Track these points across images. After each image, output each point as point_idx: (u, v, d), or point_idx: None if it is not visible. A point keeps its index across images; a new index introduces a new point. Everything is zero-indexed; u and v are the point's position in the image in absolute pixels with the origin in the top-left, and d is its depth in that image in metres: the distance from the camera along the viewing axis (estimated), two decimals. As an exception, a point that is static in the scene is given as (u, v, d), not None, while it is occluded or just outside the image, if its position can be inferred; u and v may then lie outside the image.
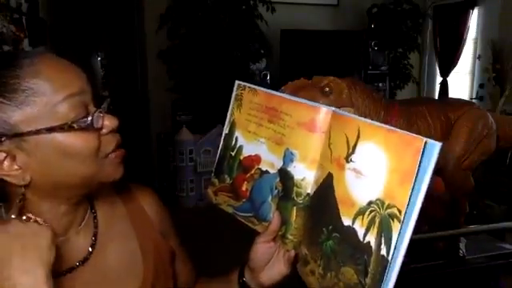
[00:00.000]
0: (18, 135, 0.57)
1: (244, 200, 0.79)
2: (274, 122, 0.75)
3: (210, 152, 3.99)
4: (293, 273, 0.76)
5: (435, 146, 0.50)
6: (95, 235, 0.71)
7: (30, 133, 0.57)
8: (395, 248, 0.53)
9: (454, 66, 5.04)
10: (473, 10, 4.79)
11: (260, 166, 0.77)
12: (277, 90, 0.88)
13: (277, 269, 0.76)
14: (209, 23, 3.97)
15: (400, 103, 1.23)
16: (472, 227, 1.35)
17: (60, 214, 0.65)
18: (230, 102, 0.83)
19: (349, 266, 0.60)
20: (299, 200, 0.71)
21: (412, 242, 0.52)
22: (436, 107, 1.22)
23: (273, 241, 0.75)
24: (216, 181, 0.84)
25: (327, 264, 0.64)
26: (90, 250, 0.70)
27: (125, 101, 4.15)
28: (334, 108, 0.69)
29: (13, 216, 0.56)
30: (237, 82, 0.82)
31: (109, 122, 0.63)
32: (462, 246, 1.33)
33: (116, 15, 4.32)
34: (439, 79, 5.23)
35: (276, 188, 0.74)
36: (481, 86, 4.56)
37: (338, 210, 0.61)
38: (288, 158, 0.72)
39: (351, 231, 0.59)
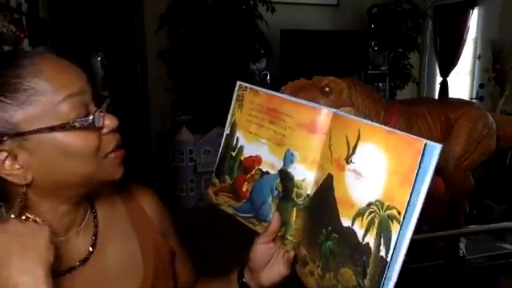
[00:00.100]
0: (19, 134, 0.57)
1: (244, 200, 0.79)
2: (274, 122, 0.75)
3: (210, 152, 3.99)
4: (292, 273, 0.76)
5: (435, 148, 0.50)
6: (95, 235, 0.71)
7: (31, 132, 0.58)
8: (394, 249, 0.53)
9: (454, 66, 5.04)
10: (473, 9, 4.79)
11: (260, 167, 0.77)
12: (277, 90, 0.88)
13: (276, 269, 0.76)
14: (209, 23, 3.97)
15: (400, 103, 1.23)
16: (472, 227, 1.35)
17: (60, 213, 0.66)
18: (230, 102, 0.83)
19: (348, 266, 0.60)
20: (299, 201, 0.71)
21: (412, 242, 0.52)
22: (436, 107, 1.22)
23: (272, 241, 0.75)
24: (217, 181, 0.84)
25: (326, 265, 0.64)
26: (91, 249, 0.70)
27: (125, 101, 4.15)
28: (334, 109, 0.69)
29: (12, 216, 0.57)
30: (238, 83, 0.82)
31: (109, 122, 0.63)
32: (462, 245, 1.33)
33: (116, 15, 4.32)
34: (439, 79, 5.23)
35: (276, 189, 0.75)
36: (481, 85, 4.56)
37: (338, 210, 0.62)
38: (288, 158, 0.72)
39: (350, 232, 0.59)
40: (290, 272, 0.77)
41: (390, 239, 0.53)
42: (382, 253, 0.54)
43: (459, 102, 1.28)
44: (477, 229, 1.38)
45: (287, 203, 0.73)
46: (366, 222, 0.57)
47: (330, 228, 0.63)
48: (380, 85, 4.76)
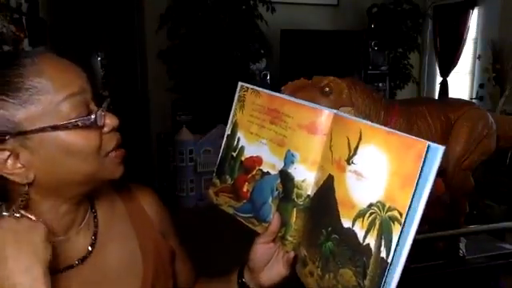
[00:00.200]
0: (21, 133, 0.58)
1: (245, 201, 0.80)
2: (275, 123, 0.75)
3: (210, 152, 3.99)
4: (292, 274, 0.76)
5: (438, 150, 0.50)
6: (95, 234, 0.71)
7: (33, 131, 0.58)
8: (395, 251, 0.53)
9: (454, 66, 5.04)
10: (473, 9, 4.79)
11: (261, 167, 0.77)
12: (277, 90, 0.89)
13: (276, 270, 0.77)
14: (209, 23, 3.97)
15: (400, 103, 1.23)
16: (472, 227, 1.35)
17: (61, 213, 0.66)
18: (230, 101, 0.83)
19: (347, 267, 0.60)
20: (299, 201, 0.71)
21: (412, 242, 0.52)
22: (436, 107, 1.22)
23: (272, 242, 0.75)
24: (217, 181, 0.84)
25: (326, 265, 0.64)
26: (90, 249, 0.70)
27: (125, 101, 4.15)
28: (335, 110, 0.69)
29: (5, 213, 0.56)
30: (240, 84, 0.82)
31: (110, 121, 0.64)
32: (462, 245, 1.33)
33: (116, 15, 4.32)
34: (439, 79, 5.23)
35: (277, 189, 0.75)
36: (481, 86, 4.56)
37: (338, 211, 0.62)
38: (289, 159, 0.73)
39: (351, 233, 0.59)
40: (289, 272, 0.77)
41: (390, 241, 0.53)
42: (383, 254, 0.54)
43: (459, 102, 1.28)
44: (477, 229, 1.38)
45: (287, 204, 0.73)
46: (366, 223, 0.57)
47: (330, 229, 0.63)
48: (380, 85, 4.76)
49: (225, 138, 0.84)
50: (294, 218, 0.72)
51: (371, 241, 0.56)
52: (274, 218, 0.73)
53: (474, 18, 4.83)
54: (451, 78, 5.10)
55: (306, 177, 0.70)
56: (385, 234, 0.54)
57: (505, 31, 4.21)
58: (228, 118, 0.84)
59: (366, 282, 0.57)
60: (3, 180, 0.59)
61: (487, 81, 4.25)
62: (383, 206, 0.55)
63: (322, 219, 0.65)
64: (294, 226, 0.72)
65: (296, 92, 1.06)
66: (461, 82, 5.09)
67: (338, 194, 0.62)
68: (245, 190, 0.79)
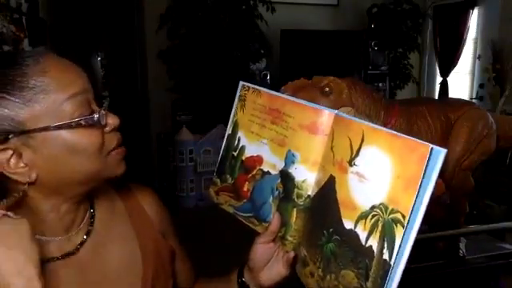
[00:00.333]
0: (25, 132, 0.58)
1: (245, 200, 0.80)
2: (276, 123, 0.75)
3: (210, 152, 3.99)
4: (292, 274, 0.76)
5: (440, 153, 0.50)
6: (88, 233, 0.71)
7: (37, 130, 0.58)
8: (398, 253, 0.53)
9: (454, 66, 5.04)
10: (473, 9, 4.79)
11: (262, 167, 0.77)
12: (277, 90, 0.88)
13: (276, 269, 0.77)
14: (209, 23, 3.97)
15: (400, 103, 1.23)
16: (472, 227, 1.35)
17: (62, 212, 0.66)
18: (230, 101, 0.83)
19: (349, 269, 0.60)
20: (299, 202, 0.71)
21: (413, 243, 0.52)
22: (436, 107, 1.21)
23: (272, 241, 0.75)
24: (218, 181, 0.85)
25: (327, 266, 0.64)
26: (78, 247, 0.69)
27: (125, 101, 4.14)
28: (336, 111, 0.69)
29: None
30: (241, 83, 0.82)
31: (112, 121, 0.64)
32: (462, 245, 1.32)
33: (116, 15, 4.32)
34: (439, 79, 5.22)
35: (277, 189, 0.75)
36: (481, 86, 4.56)
37: (340, 212, 0.61)
38: (289, 159, 0.73)
39: (353, 234, 0.59)
40: (289, 272, 0.77)
41: (393, 243, 0.53)
42: (386, 256, 0.54)
43: (459, 102, 1.28)
44: (477, 229, 1.38)
45: (287, 204, 0.73)
46: (369, 224, 0.57)
47: (331, 230, 0.63)
48: (380, 85, 4.76)
49: (225, 138, 0.84)
50: (294, 218, 0.72)
51: (374, 243, 0.56)
52: (274, 218, 0.73)
53: (474, 18, 4.83)
54: (451, 78, 5.10)
55: (307, 177, 0.70)
56: (387, 236, 0.54)
57: (505, 31, 4.21)
58: (228, 118, 0.84)
59: (369, 284, 0.57)
60: (5, 179, 0.59)
61: (487, 81, 4.25)
62: (386, 208, 0.55)
63: (323, 220, 0.65)
64: (294, 226, 0.72)
65: (296, 92, 1.06)
66: (461, 82, 5.09)
67: (340, 195, 0.62)
68: (245, 189, 0.79)
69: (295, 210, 0.72)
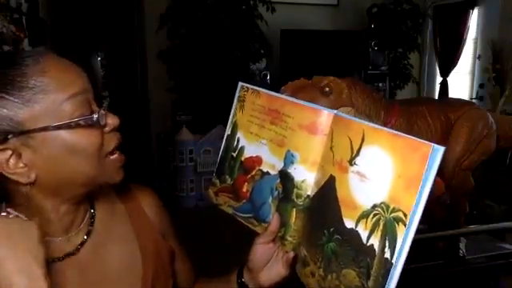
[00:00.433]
0: (24, 132, 0.58)
1: (244, 201, 0.80)
2: (275, 123, 0.75)
3: (210, 152, 3.99)
4: (292, 274, 0.76)
5: (439, 151, 0.50)
6: (89, 233, 0.71)
7: (36, 130, 0.58)
8: (399, 251, 0.53)
9: (454, 66, 5.04)
10: (473, 9, 4.79)
11: (261, 168, 0.77)
12: (277, 90, 0.89)
13: (276, 270, 0.77)
14: (209, 23, 3.97)
15: (400, 103, 1.23)
16: (472, 227, 1.35)
17: (62, 213, 0.66)
18: (230, 101, 0.83)
19: (351, 268, 0.60)
20: (299, 202, 0.71)
21: (412, 242, 0.53)
22: (436, 107, 1.21)
23: (272, 242, 0.75)
24: (217, 181, 0.84)
25: (328, 266, 0.64)
26: (79, 247, 0.69)
27: (125, 101, 4.14)
28: (335, 111, 0.69)
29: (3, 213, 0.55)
30: (240, 84, 0.82)
31: (111, 121, 0.64)
32: (462, 246, 1.32)
33: (116, 15, 4.32)
34: (439, 79, 5.22)
35: (276, 189, 0.75)
36: (481, 86, 4.56)
37: (341, 212, 0.62)
38: (289, 159, 0.73)
39: (354, 234, 0.59)
40: (289, 272, 0.77)
41: (395, 241, 0.54)
42: (387, 255, 0.54)
43: (459, 102, 1.28)
44: (477, 229, 1.38)
45: (287, 204, 0.73)
46: (370, 223, 0.57)
47: (332, 229, 0.63)
48: (380, 85, 4.76)
49: (224, 138, 0.84)
50: (294, 218, 0.72)
51: (375, 241, 0.56)
52: (274, 218, 0.73)
53: (474, 18, 4.83)
54: (451, 78, 5.10)
55: (306, 177, 0.70)
56: (389, 235, 0.54)
57: (505, 31, 4.21)
58: (228, 118, 0.84)
59: (370, 283, 0.57)
60: (4, 179, 0.59)
61: (487, 81, 4.25)
62: (387, 207, 0.55)
63: (323, 220, 0.65)
64: (293, 226, 0.72)
65: (296, 92, 1.06)
66: (461, 82, 5.09)
67: (340, 195, 0.62)
68: (244, 190, 0.79)
69: (295, 210, 0.72)
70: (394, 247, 0.54)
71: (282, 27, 4.50)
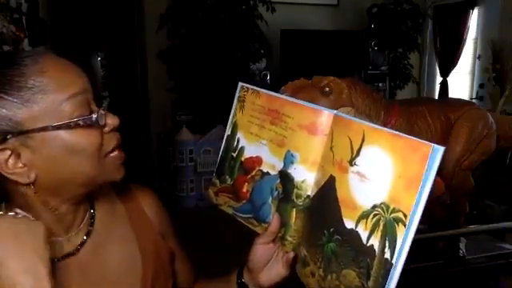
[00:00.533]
0: (23, 132, 0.58)
1: (244, 201, 0.80)
2: (275, 124, 0.75)
3: (210, 152, 3.99)
4: (292, 274, 0.76)
5: (439, 151, 0.51)
6: (88, 233, 0.71)
7: (35, 130, 0.58)
8: (399, 251, 0.53)
9: (454, 66, 5.04)
10: (473, 9, 4.79)
11: (261, 168, 0.77)
12: (277, 90, 0.89)
13: (276, 270, 0.76)
14: (209, 23, 3.97)
15: (400, 103, 1.23)
16: (472, 227, 1.35)
17: (61, 213, 0.66)
18: (230, 101, 0.83)
19: (351, 268, 0.60)
20: (299, 202, 0.71)
21: (412, 242, 0.53)
22: (436, 107, 1.22)
23: (272, 242, 0.75)
24: (217, 181, 0.84)
25: (328, 266, 0.64)
26: (78, 247, 0.69)
27: (125, 101, 4.15)
28: (335, 111, 0.69)
29: (1, 213, 0.55)
30: (240, 84, 0.82)
31: (111, 121, 0.64)
32: (462, 246, 1.32)
33: (116, 15, 4.32)
34: (439, 79, 5.22)
35: (276, 190, 0.75)
36: (481, 86, 4.56)
37: (340, 212, 0.62)
38: (289, 159, 0.72)
39: (354, 234, 0.59)
40: (289, 273, 0.77)
41: (395, 242, 0.54)
42: (387, 255, 0.54)
43: (459, 102, 1.28)
44: (477, 229, 1.38)
45: (287, 204, 0.73)
46: (370, 224, 0.57)
47: (332, 229, 0.63)
48: (380, 85, 4.76)
49: (224, 139, 0.84)
50: (294, 218, 0.72)
51: (375, 242, 0.56)
52: (274, 219, 0.73)
53: (474, 18, 4.83)
54: (451, 78, 5.10)
55: (306, 177, 0.70)
56: (389, 236, 0.54)
57: (505, 31, 4.21)
58: (228, 118, 0.84)
59: (370, 283, 0.57)
60: (3, 180, 0.59)
61: (487, 81, 4.25)
62: (387, 207, 0.55)
63: (323, 220, 0.65)
64: (293, 226, 0.72)
65: (296, 92, 1.06)
66: (461, 82, 5.09)
67: (340, 195, 0.62)
68: (244, 190, 0.79)
69: (295, 210, 0.72)
70: (394, 248, 0.54)
71: (282, 27, 4.50)
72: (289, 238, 0.73)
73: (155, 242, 0.78)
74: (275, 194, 0.75)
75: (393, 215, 0.54)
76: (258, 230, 0.77)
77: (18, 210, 0.55)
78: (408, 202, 0.52)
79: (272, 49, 4.55)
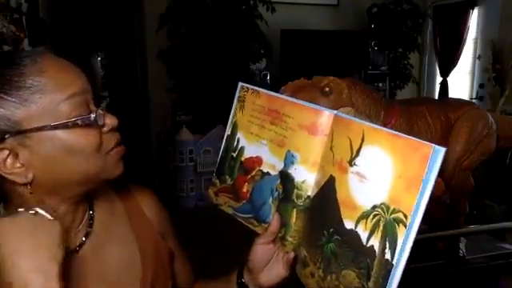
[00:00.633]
0: (21, 132, 0.58)
1: (244, 201, 0.79)
2: (276, 124, 0.75)
3: (210, 152, 3.99)
4: (292, 274, 0.76)
5: (440, 152, 0.50)
6: (87, 234, 0.70)
7: (33, 130, 0.58)
8: (400, 252, 0.53)
9: (454, 66, 5.04)
10: (473, 9, 4.79)
11: (261, 168, 0.77)
12: (277, 90, 0.88)
13: (276, 270, 0.76)
14: (209, 23, 3.97)
15: (400, 103, 1.23)
16: (472, 227, 1.35)
17: (60, 214, 0.65)
18: (230, 101, 0.83)
19: (350, 269, 0.60)
20: (299, 202, 0.71)
21: (413, 242, 0.52)
22: (436, 107, 1.21)
23: (272, 242, 0.75)
24: (217, 181, 0.84)
25: (328, 267, 0.64)
26: (77, 248, 0.69)
27: (125, 101, 4.15)
28: (336, 111, 0.69)
29: (20, 209, 0.55)
30: (240, 84, 0.82)
31: (110, 121, 0.64)
32: (462, 246, 1.32)
33: (116, 15, 4.32)
34: (439, 79, 5.22)
35: (276, 190, 0.75)
36: (481, 86, 4.56)
37: (340, 212, 0.61)
38: (289, 160, 0.72)
39: (354, 234, 0.59)
40: (289, 273, 0.77)
41: (395, 242, 0.53)
42: (388, 256, 0.54)
43: (459, 102, 1.28)
44: (477, 229, 1.38)
45: (287, 204, 0.73)
46: (370, 224, 0.57)
47: (331, 230, 0.63)
48: (380, 85, 4.76)
49: (224, 139, 0.84)
50: (294, 218, 0.72)
51: (375, 242, 0.56)
52: (274, 219, 0.73)
53: (474, 18, 4.83)
54: (451, 78, 5.10)
55: (306, 177, 0.70)
56: (389, 236, 0.54)
57: (505, 31, 4.21)
58: (228, 118, 0.84)
59: (370, 284, 0.56)
60: (1, 180, 0.59)
61: (487, 81, 4.25)
62: (387, 207, 0.55)
63: (323, 220, 0.65)
64: (293, 226, 0.72)
65: (296, 92, 1.06)
66: (461, 82, 5.09)
67: (340, 195, 0.62)
68: (244, 190, 0.79)
69: (295, 210, 0.72)
70: (395, 248, 0.53)
71: (282, 27, 4.50)
72: (289, 239, 0.73)
73: (155, 242, 0.78)
74: (275, 194, 0.75)
75: (393, 216, 0.54)
76: (258, 230, 0.77)
77: (38, 209, 0.55)
78: (408, 203, 0.52)
79: (272, 49, 4.55)
